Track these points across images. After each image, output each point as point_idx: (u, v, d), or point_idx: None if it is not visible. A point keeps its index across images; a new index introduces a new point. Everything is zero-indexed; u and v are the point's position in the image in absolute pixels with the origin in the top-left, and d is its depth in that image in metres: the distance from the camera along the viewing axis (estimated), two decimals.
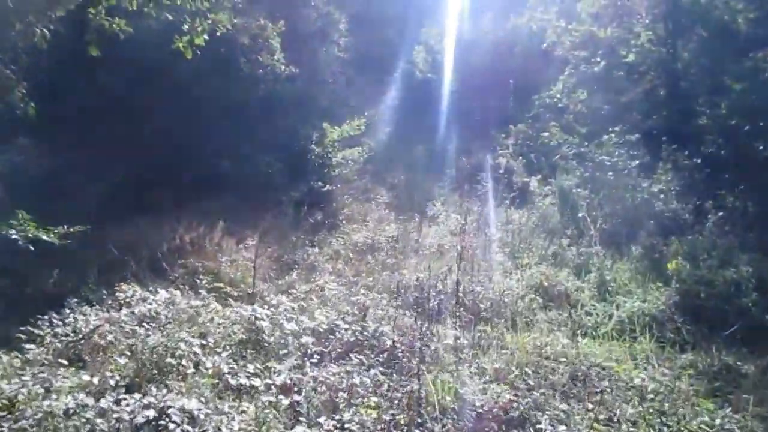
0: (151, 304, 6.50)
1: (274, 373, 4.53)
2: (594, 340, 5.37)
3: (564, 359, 4.65)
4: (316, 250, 10.24)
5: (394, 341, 4.75)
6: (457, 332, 5.55)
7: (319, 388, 4.19)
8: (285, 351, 5.02)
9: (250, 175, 13.29)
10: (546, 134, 13.51)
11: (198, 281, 8.25)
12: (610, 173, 9.82)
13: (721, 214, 8.14)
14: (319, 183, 13.41)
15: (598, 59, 14.03)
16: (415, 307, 6.58)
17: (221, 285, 8.30)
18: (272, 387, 4.23)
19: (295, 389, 4.13)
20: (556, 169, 12.79)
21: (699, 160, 9.74)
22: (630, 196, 9.12)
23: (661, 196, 8.92)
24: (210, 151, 13.19)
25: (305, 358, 4.72)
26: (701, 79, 12.09)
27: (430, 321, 5.75)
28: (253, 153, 13.62)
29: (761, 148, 8.81)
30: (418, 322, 5.36)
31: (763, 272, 5.95)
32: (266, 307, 5.95)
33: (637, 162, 9.92)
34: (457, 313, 5.64)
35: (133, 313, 6.21)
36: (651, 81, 13.72)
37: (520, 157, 14.66)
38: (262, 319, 5.50)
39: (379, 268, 8.78)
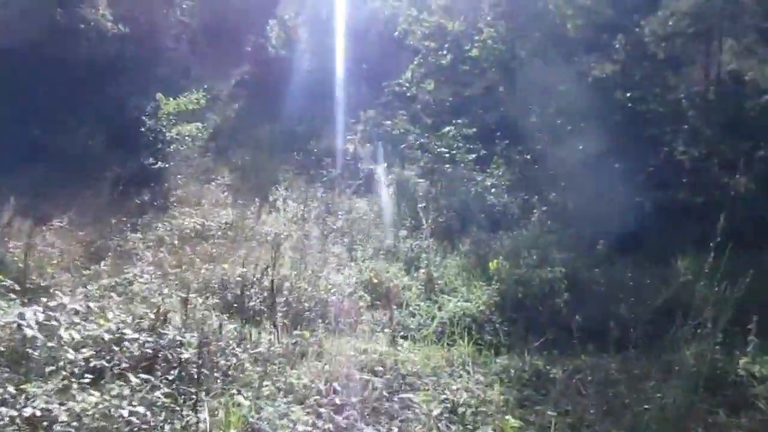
0: None
1: (29, 399, 3.59)
2: (415, 344, 5.08)
3: (381, 368, 4.27)
4: (138, 235, 9.01)
5: (181, 356, 3.99)
6: (272, 338, 4.96)
7: (83, 420, 3.36)
8: (53, 368, 4.06)
9: (68, 146, 11.54)
10: (389, 122, 13.30)
11: None
12: (448, 166, 9.79)
13: (544, 209, 8.42)
14: (151, 159, 12.00)
15: (446, 52, 14.10)
16: (235, 306, 5.88)
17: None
18: (17, 420, 3.32)
19: (45, 423, 3.26)
20: (401, 159, 12.68)
21: (529, 156, 10.07)
22: (464, 188, 9.14)
23: (493, 189, 9.06)
24: (19, 115, 11.19)
25: (74, 379, 3.82)
26: (535, 79, 12.62)
27: (245, 324, 5.09)
28: (71, 121, 11.84)
29: (580, 147, 9.27)
30: (227, 329, 4.67)
31: (575, 272, 6.11)
32: (42, 309, 4.86)
33: (474, 156, 10.01)
34: (275, 316, 5.03)
35: None
36: (491, 77, 14.11)
37: (368, 144, 14.38)
38: (30, 326, 4.43)
39: (205, 258, 7.88)
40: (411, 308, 5.72)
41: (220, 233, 9.06)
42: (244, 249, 8.47)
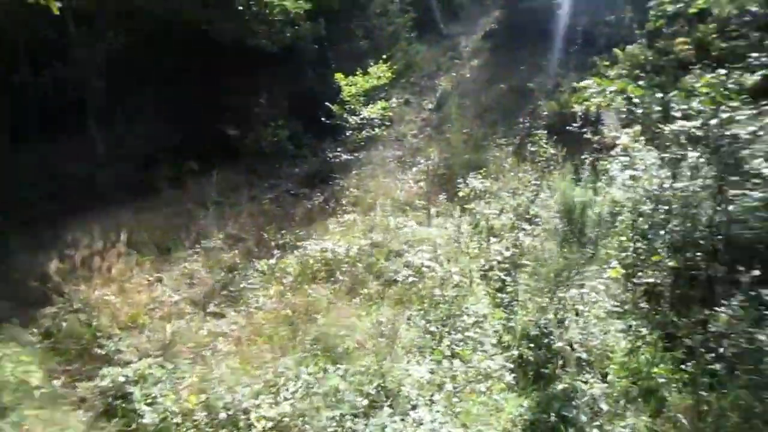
0: None
1: None
2: None
3: None
4: (272, 261, 7.11)
5: None
6: None
7: None
8: None
9: (257, 144, 10.45)
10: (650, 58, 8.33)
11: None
12: (693, 150, 4.81)
13: None
14: (338, 150, 10.08)
15: None
16: None
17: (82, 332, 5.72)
18: None
19: None
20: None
21: None
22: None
23: None
24: (215, 116, 10.51)
25: None
26: None
27: None
28: (263, 116, 10.68)
29: None
30: None
31: None
32: None
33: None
34: None
35: None
36: None
37: (619, 98, 9.45)
38: None
39: (303, 316, 5.43)
40: None
41: (346, 266, 6.45)
42: (357, 298, 5.74)
